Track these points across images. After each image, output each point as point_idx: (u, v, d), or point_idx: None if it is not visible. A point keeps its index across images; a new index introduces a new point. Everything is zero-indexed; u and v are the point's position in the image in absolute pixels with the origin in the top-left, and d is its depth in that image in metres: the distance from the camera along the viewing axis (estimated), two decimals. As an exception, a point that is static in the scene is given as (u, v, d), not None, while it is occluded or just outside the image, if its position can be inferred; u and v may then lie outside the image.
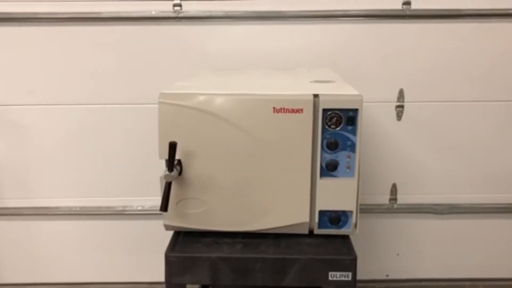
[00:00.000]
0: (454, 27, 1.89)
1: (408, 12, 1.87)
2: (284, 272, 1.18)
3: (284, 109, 1.17)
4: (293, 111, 1.16)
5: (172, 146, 1.15)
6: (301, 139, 1.18)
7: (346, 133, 1.19)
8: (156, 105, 1.19)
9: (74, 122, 1.98)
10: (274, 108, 1.17)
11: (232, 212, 1.23)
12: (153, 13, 1.87)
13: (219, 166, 1.20)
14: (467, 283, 2.16)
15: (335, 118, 1.18)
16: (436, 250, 2.12)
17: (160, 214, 1.23)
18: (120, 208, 2.06)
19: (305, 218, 1.23)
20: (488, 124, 1.97)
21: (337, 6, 1.87)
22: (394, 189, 2.04)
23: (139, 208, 2.06)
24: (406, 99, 1.95)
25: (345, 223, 1.24)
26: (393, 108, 1.96)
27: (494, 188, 2.04)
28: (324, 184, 1.21)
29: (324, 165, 1.20)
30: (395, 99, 1.95)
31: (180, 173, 1.20)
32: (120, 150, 2.00)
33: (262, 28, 1.90)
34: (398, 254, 2.13)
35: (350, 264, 1.17)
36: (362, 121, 1.18)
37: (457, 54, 1.91)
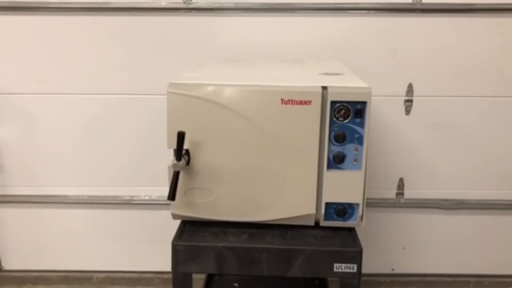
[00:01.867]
0: (465, 21, 1.88)
1: (418, 6, 1.85)
2: (289, 263, 1.19)
3: (292, 100, 1.17)
4: (301, 103, 1.16)
5: (181, 136, 1.15)
6: (308, 131, 1.18)
7: (354, 126, 1.18)
8: (165, 96, 1.19)
9: (83, 112, 1.99)
10: (282, 99, 1.17)
11: (239, 203, 1.24)
12: (163, 4, 1.88)
13: (227, 157, 1.21)
14: (473, 279, 2.16)
15: (343, 111, 1.17)
16: (442, 245, 2.12)
17: (167, 204, 1.24)
18: (128, 198, 2.08)
19: (312, 210, 1.23)
20: (498, 120, 1.96)
21: (347, -1, 1.87)
22: (401, 184, 2.04)
23: (146, 197, 2.07)
24: (415, 93, 1.94)
25: (351, 215, 1.25)
26: (402, 102, 1.95)
27: (502, 184, 2.03)
28: (331, 176, 1.21)
29: (331, 157, 1.20)
30: (404, 93, 1.95)
31: (188, 162, 1.21)
32: (129, 139, 2.02)
33: (272, 20, 1.90)
34: (404, 248, 2.13)
35: (356, 256, 1.17)
36: (371, 114, 1.18)
37: (468, 48, 1.90)
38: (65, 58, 1.94)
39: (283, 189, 1.22)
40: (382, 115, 1.96)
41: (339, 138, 1.19)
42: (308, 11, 1.88)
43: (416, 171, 2.03)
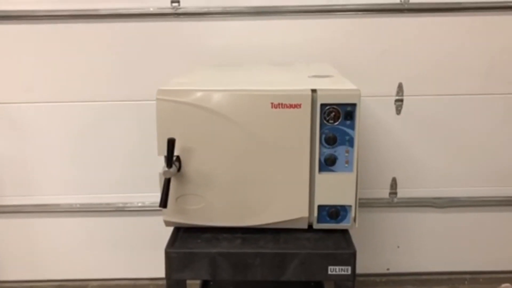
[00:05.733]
0: (453, 20, 1.89)
1: (406, 6, 1.86)
2: (283, 267, 1.18)
3: (282, 104, 1.17)
4: (291, 106, 1.16)
5: (171, 143, 1.15)
6: (299, 134, 1.18)
7: (344, 128, 1.19)
8: (155, 102, 1.19)
9: (73, 120, 1.98)
10: (272, 103, 1.17)
11: (231, 208, 1.24)
12: (151, 9, 1.87)
13: (218, 162, 1.21)
14: (467, 276, 2.17)
15: (333, 113, 1.18)
16: (436, 243, 2.13)
17: (160, 210, 1.23)
18: (121, 205, 2.07)
19: (304, 213, 1.23)
20: (488, 118, 1.97)
21: (335, 0, 1.87)
22: (394, 183, 2.04)
23: (139, 204, 2.06)
24: (405, 93, 1.95)
25: (344, 217, 1.25)
26: (392, 102, 1.96)
27: (494, 181, 2.04)
28: (323, 179, 1.21)
29: (322, 160, 1.20)
30: (394, 93, 1.95)
31: (179, 169, 1.20)
32: (120, 146, 2.00)
33: (260, 23, 1.89)
34: (398, 247, 2.13)
35: (349, 258, 1.17)
36: (361, 115, 1.18)
37: (457, 47, 1.91)
38: (54, 66, 1.93)
39: (275, 193, 1.22)
40: (373, 115, 1.96)
41: (330, 140, 1.19)
42: (296, 14, 1.88)
43: (409, 170, 2.03)
